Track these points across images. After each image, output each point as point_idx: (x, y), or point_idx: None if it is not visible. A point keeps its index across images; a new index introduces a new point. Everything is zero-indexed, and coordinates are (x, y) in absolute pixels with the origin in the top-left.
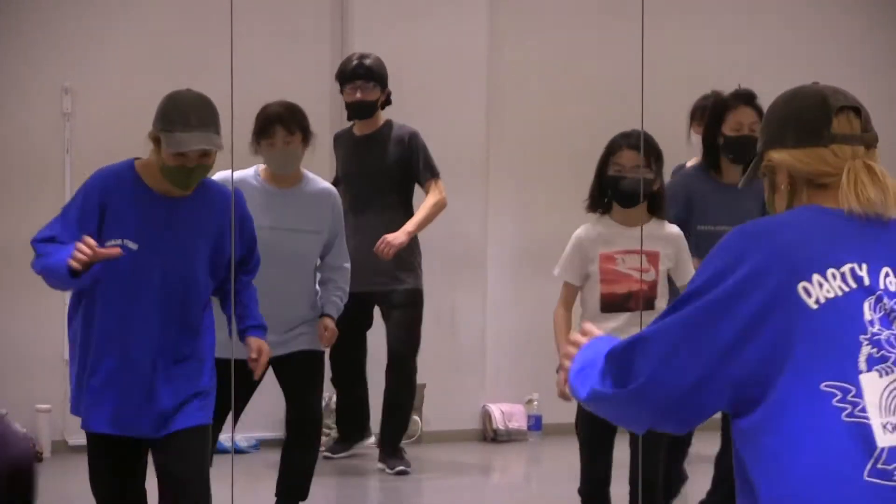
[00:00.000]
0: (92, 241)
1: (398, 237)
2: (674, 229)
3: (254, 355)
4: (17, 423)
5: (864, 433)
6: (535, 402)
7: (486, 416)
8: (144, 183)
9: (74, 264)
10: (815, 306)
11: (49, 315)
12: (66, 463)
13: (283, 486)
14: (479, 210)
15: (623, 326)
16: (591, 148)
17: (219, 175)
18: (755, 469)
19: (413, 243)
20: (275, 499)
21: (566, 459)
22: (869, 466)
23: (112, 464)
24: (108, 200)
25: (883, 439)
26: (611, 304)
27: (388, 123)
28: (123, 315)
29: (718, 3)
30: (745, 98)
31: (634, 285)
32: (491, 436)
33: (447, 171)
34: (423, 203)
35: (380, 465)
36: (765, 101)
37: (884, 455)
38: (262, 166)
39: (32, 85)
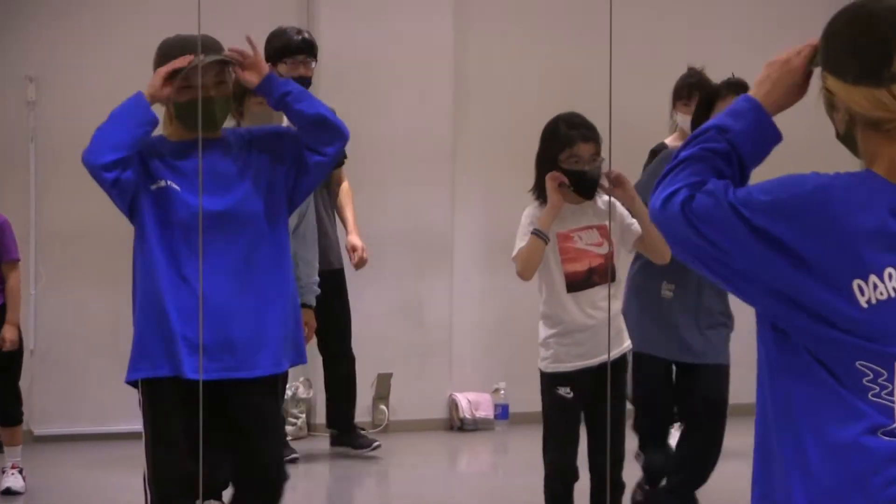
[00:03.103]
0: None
1: None
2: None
3: None
4: None
5: (885, 412)
6: (502, 391)
7: (453, 405)
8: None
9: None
10: (865, 305)
11: None
12: (32, 453)
13: None
14: (445, 200)
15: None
16: None
17: None
18: (799, 415)
19: None
20: None
21: (533, 448)
22: (886, 429)
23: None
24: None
25: None
26: (575, 283)
27: None
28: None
29: None
30: (735, 87)
31: (595, 260)
32: (458, 425)
33: (413, 161)
34: None
35: (354, 452)
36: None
37: None
38: None
39: None
